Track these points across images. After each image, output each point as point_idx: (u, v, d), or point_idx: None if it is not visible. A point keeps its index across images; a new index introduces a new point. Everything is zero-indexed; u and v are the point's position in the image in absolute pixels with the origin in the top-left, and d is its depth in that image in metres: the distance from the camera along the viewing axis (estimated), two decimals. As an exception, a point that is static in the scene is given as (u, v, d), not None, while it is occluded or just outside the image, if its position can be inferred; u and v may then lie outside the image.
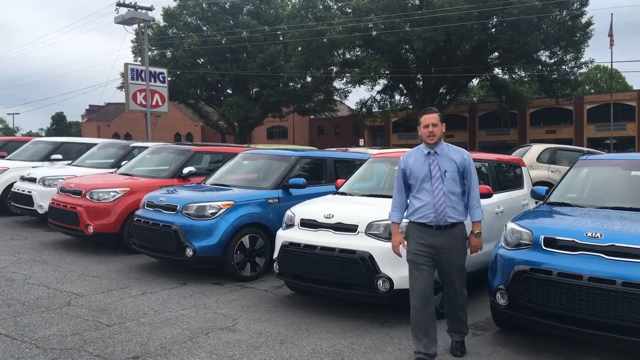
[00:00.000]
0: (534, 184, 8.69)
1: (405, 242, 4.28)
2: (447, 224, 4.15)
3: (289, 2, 40.56)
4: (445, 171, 4.15)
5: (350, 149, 12.94)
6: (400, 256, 4.30)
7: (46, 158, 12.59)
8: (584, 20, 32.38)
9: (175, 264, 7.18)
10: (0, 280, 6.42)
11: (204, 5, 40.90)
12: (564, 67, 33.89)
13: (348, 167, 8.35)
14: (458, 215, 4.20)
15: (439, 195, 4.13)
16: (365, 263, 4.98)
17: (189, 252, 6.48)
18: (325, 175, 8.18)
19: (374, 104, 40.91)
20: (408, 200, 4.34)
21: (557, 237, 4.30)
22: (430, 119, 4.22)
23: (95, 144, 12.81)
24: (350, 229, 5.26)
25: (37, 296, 5.82)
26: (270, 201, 7.14)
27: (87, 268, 7.24)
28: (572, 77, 34.46)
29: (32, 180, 10.42)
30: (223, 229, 6.58)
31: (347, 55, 37.08)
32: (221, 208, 6.68)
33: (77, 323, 4.97)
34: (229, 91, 43.87)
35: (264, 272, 6.89)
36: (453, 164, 4.19)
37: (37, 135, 79.49)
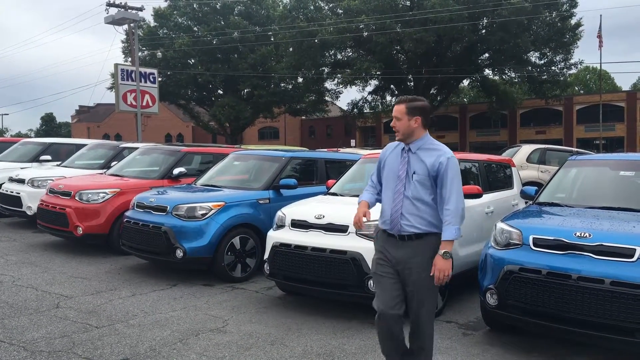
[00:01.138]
0: (524, 184, 8.74)
1: (368, 216, 3.64)
2: (409, 234, 3.45)
3: (280, 3, 40.55)
4: (414, 172, 3.46)
5: (341, 150, 12.95)
6: (362, 227, 3.66)
7: (35, 159, 12.48)
8: (573, 21, 32.64)
9: (165, 265, 7.14)
10: (-12, 283, 6.36)
11: (194, 6, 40.78)
12: (553, 68, 34.14)
13: (339, 168, 8.35)
14: (424, 226, 3.44)
15: (398, 199, 3.48)
16: (356, 263, 4.98)
17: (179, 253, 6.45)
18: (316, 175, 8.17)
19: (366, 105, 40.97)
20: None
21: (546, 237, 4.32)
22: (395, 111, 3.56)
23: (84, 145, 12.72)
24: (341, 229, 5.26)
25: (26, 298, 5.77)
26: (261, 202, 7.12)
27: (76, 270, 7.19)
28: (562, 78, 34.73)
29: (21, 181, 10.33)
30: (213, 230, 6.55)
31: (339, 56, 37.13)
32: (212, 209, 6.66)
33: (66, 325, 4.93)
34: (220, 92, 43.75)
35: (254, 273, 6.87)
36: (423, 166, 3.45)
37: (27, 136, 78.92)
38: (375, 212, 3.79)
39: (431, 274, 3.39)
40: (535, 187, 6.01)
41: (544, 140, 37.88)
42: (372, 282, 3.75)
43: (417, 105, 3.52)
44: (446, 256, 3.36)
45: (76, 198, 8.15)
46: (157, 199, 7.01)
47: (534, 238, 4.38)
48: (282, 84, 41.26)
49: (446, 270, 3.36)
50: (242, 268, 6.78)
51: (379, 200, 3.73)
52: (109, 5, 26.81)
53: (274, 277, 5.66)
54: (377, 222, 3.76)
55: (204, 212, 6.62)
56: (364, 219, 3.62)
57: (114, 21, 26.51)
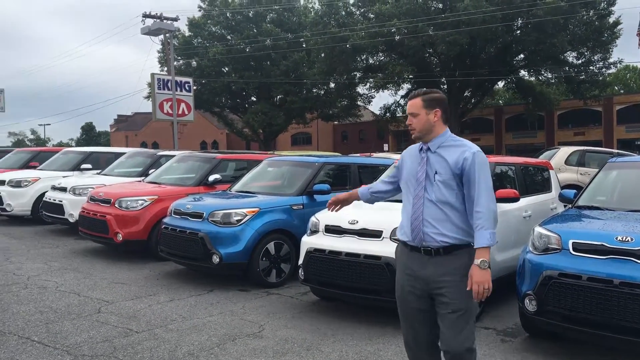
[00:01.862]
0: (563, 187, 8.55)
1: (342, 205, 3.62)
2: (436, 248, 2.97)
3: (311, 9, 40.77)
4: (436, 172, 3.01)
5: (374, 154, 12.92)
6: (331, 209, 3.66)
7: (76, 168, 12.87)
8: (611, 19, 31.78)
9: (202, 271, 7.26)
10: (33, 288, 6.58)
11: (228, 15, 41.37)
12: (591, 67, 33.28)
13: (372, 173, 8.33)
14: (454, 233, 2.97)
15: (418, 203, 3.02)
16: (390, 269, 4.96)
17: (216, 258, 6.54)
18: (349, 180, 8.18)
19: (398, 109, 40.72)
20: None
21: (587, 241, 4.23)
22: (409, 106, 3.14)
23: (123, 153, 13.05)
24: (375, 234, 5.25)
25: (69, 303, 5.94)
26: (294, 207, 7.17)
27: (117, 275, 7.37)
28: (601, 78, 33.82)
29: (63, 189, 10.66)
30: (248, 235, 6.63)
31: (370, 61, 37.05)
32: (246, 215, 6.74)
33: (107, 330, 5.06)
34: (253, 99, 44.21)
35: (289, 278, 6.92)
36: (446, 165, 3.01)
37: (68, 145, 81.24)
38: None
39: (468, 289, 2.88)
40: (574, 190, 5.87)
41: (583, 141, 36.95)
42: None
43: (434, 97, 3.11)
44: (483, 265, 2.83)
45: (116, 205, 8.36)
46: (194, 206, 7.13)
47: (573, 242, 4.28)
48: (314, 90, 41.43)
49: (485, 282, 2.83)
50: (277, 273, 6.83)
51: (377, 199, 3.54)
52: (145, 16, 27.43)
53: (309, 282, 5.69)
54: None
55: (239, 218, 6.71)
56: (333, 208, 3.65)
57: (150, 32, 27.16)
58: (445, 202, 2.99)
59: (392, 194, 3.47)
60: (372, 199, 3.54)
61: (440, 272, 2.97)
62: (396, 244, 3.33)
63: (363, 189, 3.57)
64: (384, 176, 3.54)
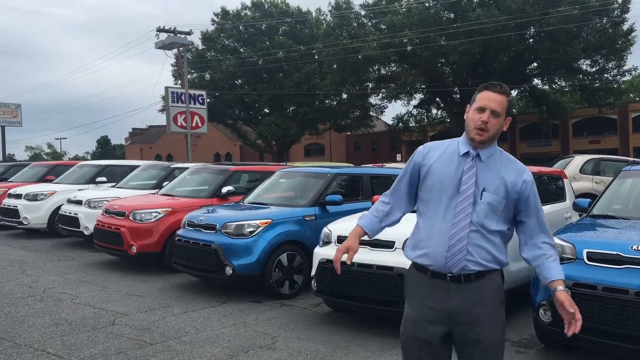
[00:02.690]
0: (578, 196, 8.48)
1: (351, 254, 2.60)
2: (469, 273, 2.45)
3: (323, 21, 41.06)
4: (484, 190, 2.46)
5: (386, 165, 12.90)
6: (339, 273, 2.71)
7: (91, 181, 13.02)
8: (625, 27, 31.58)
9: (216, 283, 7.28)
10: (49, 301, 6.64)
11: (240, 28, 41.82)
12: (606, 75, 33.06)
13: (384, 183, 8.33)
14: (488, 262, 2.47)
15: (461, 224, 2.43)
16: (402, 279, 4.94)
17: (229, 270, 6.56)
18: (362, 191, 8.18)
19: (411, 119, 40.74)
20: (411, 222, 2.71)
21: (601, 251, 4.18)
22: (491, 100, 2.47)
23: (137, 166, 13.17)
24: (387, 245, 5.24)
25: (84, 315, 5.99)
26: (307, 219, 7.18)
27: (131, 287, 7.42)
28: (615, 85, 33.58)
29: (78, 202, 10.77)
30: (261, 247, 6.64)
31: (383, 71, 37.16)
32: (259, 226, 6.76)
33: (122, 342, 5.09)
34: (266, 110, 44.51)
35: (302, 289, 6.91)
36: (501, 184, 2.48)
37: (83, 158, 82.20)
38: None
39: (567, 319, 2.43)
40: (589, 199, 5.82)
41: (598, 150, 36.58)
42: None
43: (512, 99, 2.61)
44: (567, 290, 2.46)
45: (130, 218, 8.43)
46: (207, 218, 7.17)
47: (588, 252, 4.24)
48: (327, 101, 41.62)
49: (577, 310, 2.41)
50: (289, 285, 6.83)
51: (388, 225, 2.73)
52: (160, 30, 27.80)
53: (321, 293, 5.68)
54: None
55: (251, 229, 6.73)
56: (345, 259, 2.59)
57: (164, 46, 27.48)
58: (486, 227, 2.45)
59: (406, 212, 2.74)
60: (383, 226, 2.74)
61: (470, 302, 2.44)
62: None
63: (369, 222, 2.70)
64: (393, 191, 2.73)
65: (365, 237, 2.68)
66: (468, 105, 2.59)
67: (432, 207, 2.52)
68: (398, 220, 2.73)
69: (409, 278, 2.65)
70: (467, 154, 2.51)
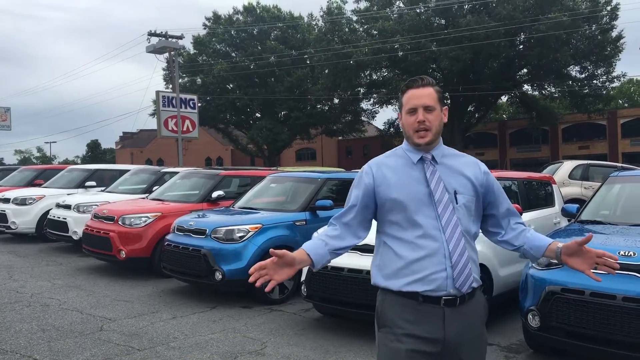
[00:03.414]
0: (567, 202, 8.54)
1: (276, 278, 2.16)
2: (464, 294, 2.22)
3: (315, 26, 41.14)
4: (456, 192, 2.26)
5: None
6: (256, 285, 2.17)
7: (81, 185, 12.94)
8: (614, 34, 31.90)
9: (205, 288, 7.24)
10: (36, 306, 6.58)
11: (232, 33, 41.79)
12: (595, 81, 33.34)
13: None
14: (478, 275, 2.30)
15: (455, 235, 2.19)
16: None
17: (218, 275, 6.53)
18: (353, 196, 8.16)
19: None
20: (374, 246, 2.43)
21: (589, 256, 4.20)
22: (419, 97, 2.26)
23: (127, 171, 13.11)
24: (377, 250, 5.23)
25: (71, 321, 5.93)
26: (297, 223, 7.17)
27: (120, 293, 7.36)
28: (604, 92, 33.86)
29: (67, 207, 10.70)
30: (251, 252, 6.62)
31: (374, 76, 37.27)
32: (249, 231, 6.74)
33: (109, 348, 5.05)
34: (258, 115, 44.47)
35: (292, 295, 6.89)
36: (466, 182, 2.30)
37: (73, 162, 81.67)
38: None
39: (590, 266, 2.25)
40: (577, 205, 5.86)
41: (587, 155, 36.89)
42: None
43: (440, 90, 2.35)
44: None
45: (119, 222, 8.38)
46: (197, 222, 7.15)
47: (575, 257, 4.25)
48: (319, 106, 41.64)
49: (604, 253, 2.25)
50: (280, 290, 6.81)
51: (339, 253, 2.34)
52: (151, 34, 27.72)
53: (312, 299, 5.67)
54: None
55: (241, 234, 6.71)
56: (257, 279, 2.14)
57: (155, 50, 27.39)
58: (469, 231, 2.27)
59: (361, 239, 2.41)
60: (332, 257, 2.34)
61: (467, 326, 2.22)
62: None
63: (315, 247, 2.29)
64: (343, 218, 2.37)
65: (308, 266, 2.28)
66: (398, 112, 2.40)
67: (410, 227, 2.22)
68: (348, 247, 2.37)
69: (385, 306, 2.27)
70: (421, 160, 2.30)
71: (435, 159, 2.30)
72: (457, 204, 2.23)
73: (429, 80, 2.30)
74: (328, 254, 2.30)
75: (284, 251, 2.15)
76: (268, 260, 2.14)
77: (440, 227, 2.19)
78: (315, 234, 2.51)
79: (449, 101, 35.82)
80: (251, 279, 2.14)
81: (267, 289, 2.26)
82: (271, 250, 2.18)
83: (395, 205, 2.25)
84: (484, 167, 2.40)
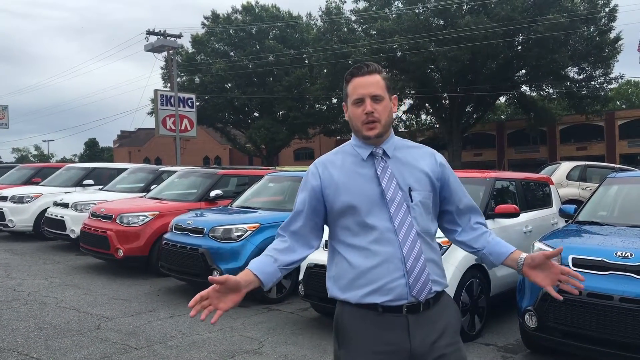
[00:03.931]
0: (565, 202, 8.55)
1: (222, 307, 1.96)
2: (428, 298, 2.02)
3: (314, 26, 41.13)
4: (410, 189, 2.06)
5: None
6: (201, 318, 2.12)
7: (78, 183, 12.93)
8: (612, 35, 31.96)
9: (203, 287, 7.22)
10: (33, 304, 6.57)
11: (231, 32, 41.74)
12: (593, 83, 33.40)
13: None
14: (441, 278, 2.10)
15: (410, 238, 1.99)
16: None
17: (216, 274, 6.53)
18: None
19: (400, 124, 40.90)
20: (325, 256, 2.29)
21: (586, 257, 4.22)
22: (365, 86, 2.06)
23: (125, 169, 13.10)
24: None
25: (68, 319, 5.93)
26: (295, 223, 7.15)
27: (117, 291, 7.36)
28: (602, 93, 33.91)
29: (65, 205, 10.69)
30: (249, 251, 6.63)
31: (373, 76, 37.23)
32: (247, 230, 6.74)
33: (107, 346, 5.05)
34: (256, 114, 44.45)
35: (290, 294, 6.89)
36: (421, 175, 2.10)
37: (71, 161, 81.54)
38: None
39: (557, 285, 2.05)
40: (575, 206, 5.88)
41: (585, 156, 36.95)
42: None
43: (387, 77, 2.16)
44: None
45: (117, 221, 8.37)
46: (195, 221, 7.14)
47: (573, 258, 4.27)
48: (317, 105, 41.66)
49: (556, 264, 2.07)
50: (277, 289, 6.81)
51: (290, 268, 2.13)
52: (149, 33, 27.68)
53: (309, 298, 5.67)
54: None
55: (239, 233, 6.71)
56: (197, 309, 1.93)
57: (154, 49, 27.38)
58: (427, 231, 2.08)
59: (314, 248, 2.20)
60: (284, 274, 2.13)
61: (434, 334, 2.01)
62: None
63: (262, 264, 2.07)
64: (291, 226, 2.18)
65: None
66: (343, 103, 2.18)
67: (362, 232, 2.02)
68: (301, 260, 2.15)
69: (343, 319, 2.06)
70: (371, 155, 2.09)
71: (387, 152, 2.09)
72: (412, 202, 2.04)
73: (375, 67, 2.10)
74: (278, 271, 2.07)
75: (226, 276, 1.93)
76: (209, 288, 1.93)
77: (394, 229, 1.99)
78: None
79: (447, 101, 35.87)
80: (192, 313, 1.92)
81: (212, 321, 1.97)
82: (210, 277, 1.94)
83: (345, 208, 2.04)
84: (440, 157, 2.20)
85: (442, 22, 33.00)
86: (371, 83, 2.06)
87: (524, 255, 2.10)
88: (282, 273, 2.10)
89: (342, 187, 2.06)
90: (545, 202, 7.46)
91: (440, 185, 2.16)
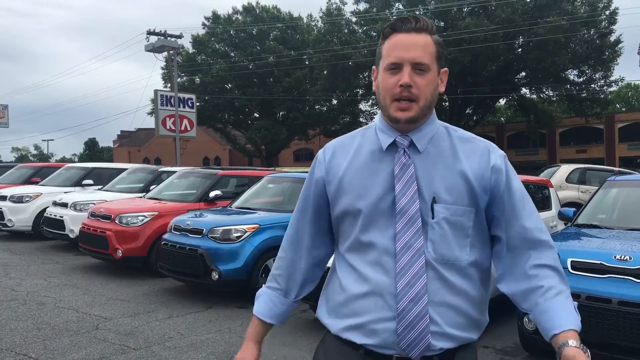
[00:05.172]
0: (564, 205, 8.56)
1: None
2: (431, 355, 1.46)
3: (314, 27, 41.17)
4: (434, 200, 1.46)
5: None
6: None
7: (78, 183, 12.93)
8: (612, 38, 32.01)
9: (201, 287, 7.24)
10: (32, 304, 6.57)
11: (231, 32, 41.79)
12: (593, 85, 33.48)
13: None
14: (462, 330, 1.48)
15: (412, 269, 1.43)
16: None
17: (215, 275, 6.53)
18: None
19: (400, 125, 40.89)
20: (327, 266, 1.76)
21: (585, 260, 4.22)
22: (408, 47, 1.46)
23: (125, 169, 13.10)
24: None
25: (67, 320, 5.92)
26: (294, 224, 7.15)
27: (116, 292, 7.35)
28: (602, 96, 33.99)
29: (64, 205, 10.68)
30: (248, 252, 6.63)
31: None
32: (246, 231, 6.74)
33: (105, 347, 5.04)
34: (256, 115, 44.51)
35: (289, 295, 6.88)
36: (458, 181, 1.48)
37: (71, 160, 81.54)
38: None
39: None
40: (574, 209, 5.88)
41: (585, 159, 36.99)
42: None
43: (442, 42, 1.55)
44: (584, 349, 1.37)
45: (116, 221, 8.37)
46: (194, 222, 7.14)
47: (572, 261, 4.27)
48: (317, 106, 41.69)
49: None
50: (276, 290, 6.80)
51: (300, 295, 1.75)
52: (150, 33, 27.69)
53: (308, 300, 5.66)
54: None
55: (238, 234, 6.71)
56: None
57: (154, 49, 27.39)
58: (453, 262, 1.47)
59: (325, 264, 1.76)
60: (294, 306, 1.77)
61: None
62: None
63: (266, 305, 1.72)
64: (294, 233, 1.75)
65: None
66: (373, 67, 1.59)
67: (360, 247, 1.52)
68: (317, 281, 1.78)
69: (321, 350, 1.66)
70: (393, 145, 1.52)
71: (416, 144, 1.50)
72: (433, 218, 1.45)
73: (427, 24, 1.49)
74: (292, 304, 1.72)
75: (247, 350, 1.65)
76: None
77: (394, 252, 1.44)
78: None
79: (447, 103, 35.86)
80: None
81: None
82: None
83: (341, 211, 1.55)
84: (498, 157, 1.53)
85: (442, 24, 33.05)
86: (417, 44, 1.46)
87: (570, 343, 1.36)
88: (296, 304, 1.74)
89: (346, 184, 1.53)
90: (545, 204, 7.46)
91: (489, 200, 1.50)
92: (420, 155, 1.50)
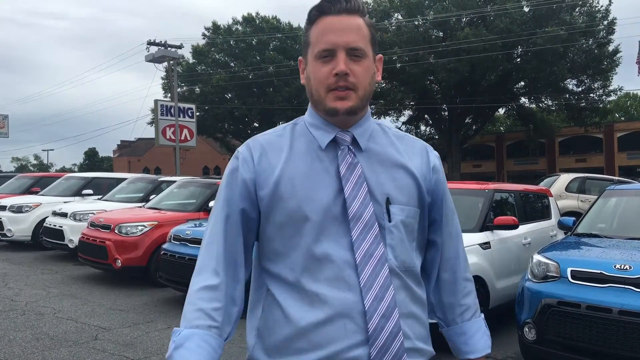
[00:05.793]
0: (564, 214, 8.56)
1: None
2: None
3: (314, 37, 41.34)
4: (389, 200, 1.31)
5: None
6: None
7: (77, 193, 12.92)
8: (611, 48, 32.16)
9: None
10: (31, 315, 6.54)
11: (231, 43, 41.98)
12: (592, 95, 33.59)
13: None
14: (425, 343, 1.36)
15: (379, 280, 1.24)
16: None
17: (214, 285, 6.50)
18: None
19: (400, 135, 40.97)
20: (250, 291, 1.43)
21: (585, 269, 4.22)
22: (341, 31, 1.28)
23: (124, 179, 13.10)
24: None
25: (66, 330, 5.90)
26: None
27: (115, 302, 7.33)
28: (601, 105, 34.09)
29: (64, 215, 10.68)
30: (248, 262, 6.60)
31: (372, 87, 37.42)
32: (246, 241, 6.72)
33: (104, 357, 5.02)
34: (256, 124, 44.58)
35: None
36: (407, 181, 1.36)
37: (70, 170, 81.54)
38: None
39: None
40: (573, 218, 5.88)
41: (584, 168, 37.02)
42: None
43: (375, 26, 1.41)
44: None
45: (115, 231, 8.36)
46: (193, 232, 7.13)
47: (572, 271, 4.27)
48: (317, 116, 41.78)
49: None
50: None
51: (231, 335, 1.36)
52: (150, 44, 27.82)
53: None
54: None
55: (238, 244, 6.69)
56: None
57: (155, 59, 27.51)
58: (412, 269, 1.36)
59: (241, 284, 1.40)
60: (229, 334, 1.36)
61: None
62: None
63: (208, 352, 1.29)
64: (224, 262, 1.34)
65: None
66: (300, 57, 1.43)
67: (308, 263, 1.28)
68: (237, 308, 1.41)
69: None
70: (333, 143, 1.35)
71: (358, 141, 1.35)
72: (390, 221, 1.31)
73: (358, 4, 1.31)
74: (224, 340, 1.33)
75: None
76: None
77: (354, 264, 1.25)
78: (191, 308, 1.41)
79: (446, 113, 35.93)
80: None
81: None
82: None
83: (286, 223, 1.30)
84: (435, 157, 1.45)
85: (441, 34, 33.23)
86: (350, 27, 1.29)
87: None
88: (230, 338, 1.35)
89: (285, 190, 1.29)
90: (544, 214, 7.46)
91: (430, 201, 1.42)
92: (363, 153, 1.35)
